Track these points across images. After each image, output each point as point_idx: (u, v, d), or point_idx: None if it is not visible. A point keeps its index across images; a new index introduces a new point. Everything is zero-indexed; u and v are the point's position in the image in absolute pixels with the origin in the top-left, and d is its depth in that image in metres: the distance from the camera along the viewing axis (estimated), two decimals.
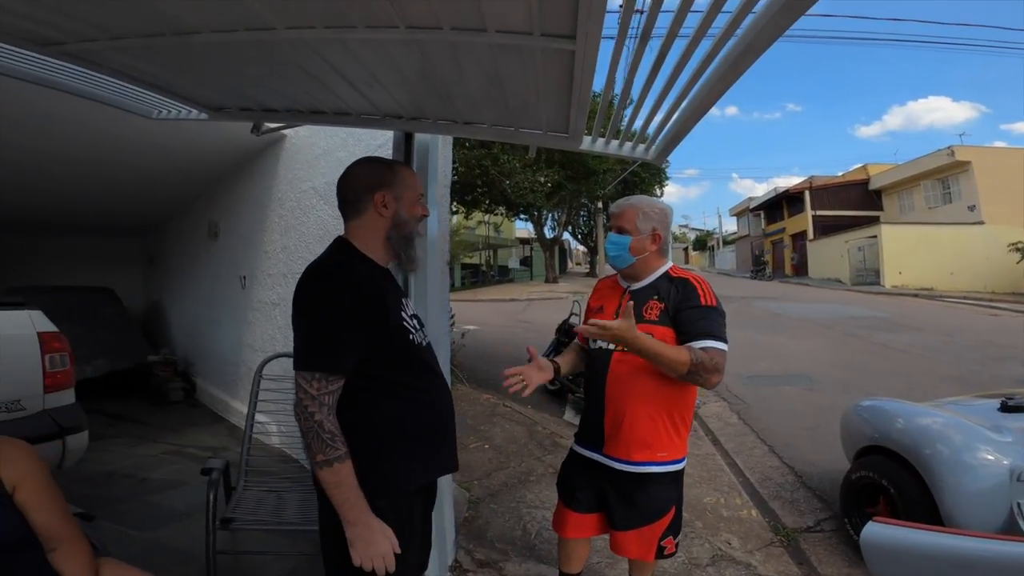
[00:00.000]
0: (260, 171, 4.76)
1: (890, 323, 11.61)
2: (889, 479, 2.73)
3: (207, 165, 5.10)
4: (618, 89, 1.64)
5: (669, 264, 2.05)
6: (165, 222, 7.71)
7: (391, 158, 2.51)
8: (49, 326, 2.66)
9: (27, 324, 2.56)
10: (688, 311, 1.88)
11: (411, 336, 1.50)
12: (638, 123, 1.90)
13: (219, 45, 1.55)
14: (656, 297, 1.95)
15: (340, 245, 1.52)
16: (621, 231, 2.01)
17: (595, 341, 2.01)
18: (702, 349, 1.78)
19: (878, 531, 1.94)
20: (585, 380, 2.13)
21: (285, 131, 4.22)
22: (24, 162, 4.49)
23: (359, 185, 1.53)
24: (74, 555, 1.39)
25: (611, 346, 1.95)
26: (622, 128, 2.08)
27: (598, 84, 1.67)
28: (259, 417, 2.91)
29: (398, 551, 1.37)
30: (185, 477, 3.81)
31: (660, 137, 1.93)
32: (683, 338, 1.85)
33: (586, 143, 2.13)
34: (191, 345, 6.76)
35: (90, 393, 6.25)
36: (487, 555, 2.82)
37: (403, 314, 1.52)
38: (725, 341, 1.84)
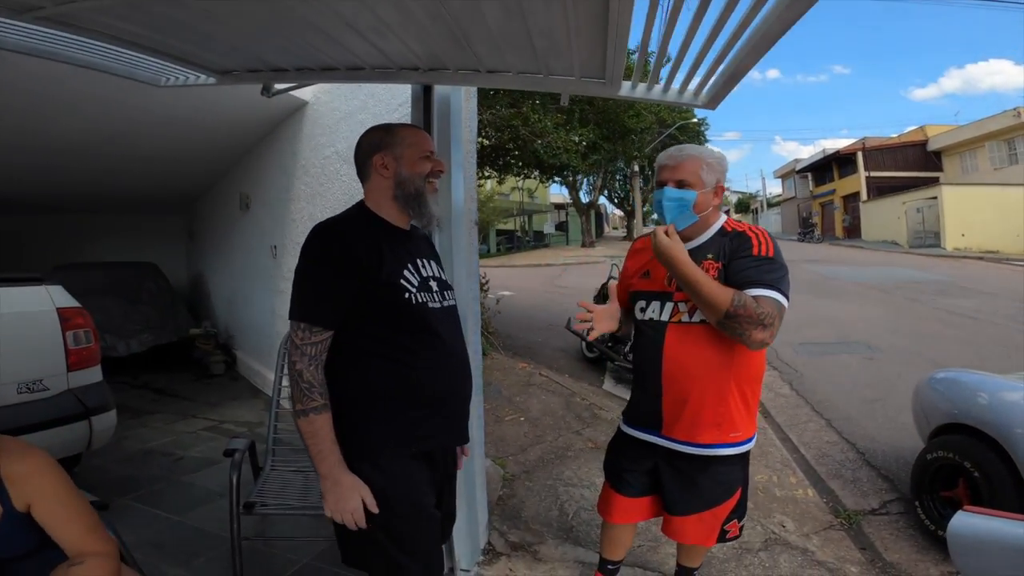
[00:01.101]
0: (284, 139, 4.68)
1: (955, 287, 10.89)
2: (972, 461, 2.46)
3: (234, 136, 5.07)
4: (662, 24, 1.39)
5: (724, 218, 1.80)
6: (201, 197, 7.80)
7: (410, 116, 2.34)
8: (70, 301, 2.59)
9: (46, 300, 2.49)
10: (738, 260, 1.66)
11: (407, 295, 1.45)
12: (686, 64, 1.64)
13: None
14: (711, 257, 1.71)
15: (356, 206, 1.57)
16: (682, 184, 1.72)
17: (644, 311, 1.81)
18: (758, 297, 1.57)
19: (968, 522, 1.70)
20: (635, 355, 1.91)
21: (305, 98, 4.08)
22: (63, 142, 4.58)
23: (361, 152, 1.58)
24: (96, 570, 1.28)
25: (664, 317, 1.74)
26: (664, 72, 1.81)
27: (638, 19, 1.42)
28: (287, 392, 2.82)
29: (373, 510, 1.38)
30: (219, 455, 3.81)
31: (713, 78, 1.66)
32: (733, 282, 1.63)
33: (626, 89, 1.87)
34: (231, 317, 6.85)
35: (136, 368, 6.47)
36: (521, 537, 2.69)
37: (407, 272, 1.48)
38: (783, 294, 1.60)
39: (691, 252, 1.71)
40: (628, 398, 2.01)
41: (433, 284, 1.54)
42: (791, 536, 2.74)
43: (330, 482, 1.37)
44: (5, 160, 4.85)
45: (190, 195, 7.82)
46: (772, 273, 1.63)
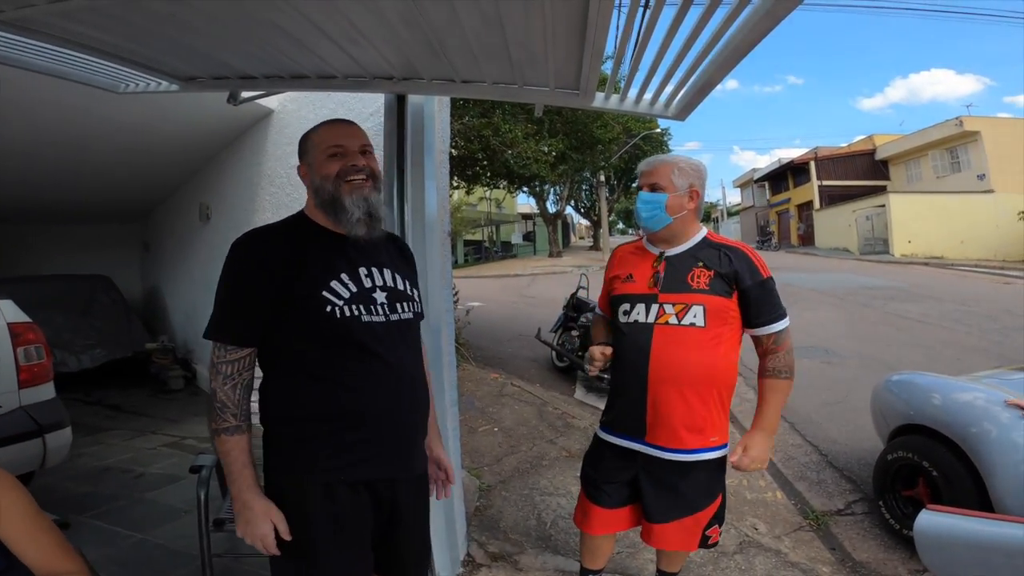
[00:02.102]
0: (248, 148, 4.56)
1: (904, 292, 11.36)
2: (930, 460, 2.55)
3: (194, 143, 4.91)
4: (637, 36, 1.42)
5: (704, 230, 1.88)
6: (159, 206, 7.54)
7: (382, 126, 2.31)
8: (21, 316, 2.47)
9: None
10: (754, 289, 1.77)
11: (329, 308, 1.32)
12: (658, 76, 1.67)
13: (172, 1, 1.35)
14: (701, 264, 1.78)
15: (296, 214, 1.50)
16: (654, 188, 1.81)
17: (628, 314, 1.83)
18: (775, 335, 1.78)
19: (933, 520, 1.77)
20: (616, 361, 1.89)
21: (272, 106, 4.01)
22: (11, 148, 4.33)
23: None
24: None
25: (650, 319, 1.77)
26: (636, 84, 1.84)
27: (613, 31, 1.44)
28: (254, 406, 2.73)
29: (285, 537, 1.30)
30: (182, 472, 3.66)
31: (684, 90, 1.69)
32: (753, 319, 1.77)
33: (599, 100, 1.90)
34: (190, 331, 6.61)
35: (88, 384, 6.17)
36: (501, 547, 2.66)
37: (336, 284, 1.35)
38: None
39: (679, 256, 1.83)
40: (601, 407, 2.02)
41: (379, 295, 1.40)
42: (764, 538, 2.80)
43: (239, 504, 1.30)
44: None
45: (146, 205, 7.55)
46: (776, 296, 1.80)
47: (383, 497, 1.40)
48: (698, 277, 1.74)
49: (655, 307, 1.78)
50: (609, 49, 1.70)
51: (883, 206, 22.86)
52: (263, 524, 1.28)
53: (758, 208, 38.84)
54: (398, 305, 1.43)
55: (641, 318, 1.80)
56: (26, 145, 4.33)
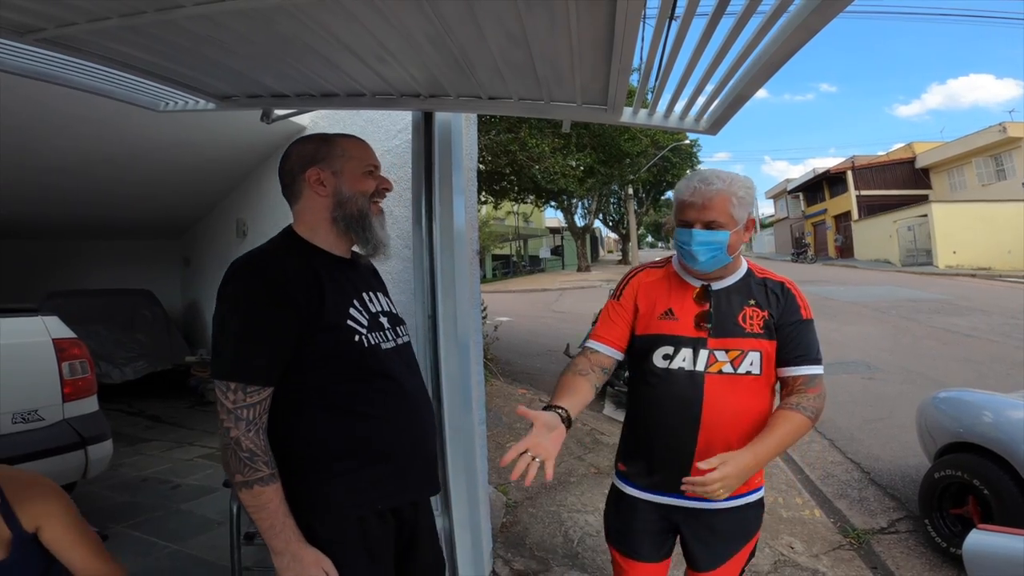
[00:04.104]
0: None
1: (950, 305, 10.93)
2: (981, 479, 2.45)
3: (230, 161, 5.07)
4: (665, 51, 1.40)
5: (745, 260, 1.65)
6: (198, 222, 7.78)
7: (410, 143, 2.34)
8: (66, 332, 2.56)
9: (41, 331, 2.47)
10: (792, 327, 1.54)
11: (357, 337, 1.26)
12: (688, 90, 1.64)
13: (207, 21, 1.39)
14: (753, 303, 1.56)
15: (283, 234, 1.36)
16: (711, 225, 1.49)
17: (670, 359, 1.55)
18: (808, 377, 1.51)
19: (984, 539, 1.69)
20: (647, 410, 1.61)
21: (303, 122, 4.10)
22: (57, 163, 4.55)
23: (289, 165, 1.37)
24: None
25: (700, 367, 1.52)
26: (666, 98, 1.82)
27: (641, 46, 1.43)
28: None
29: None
30: (217, 483, 3.75)
31: (715, 104, 1.67)
32: (787, 357, 1.53)
33: (627, 115, 1.88)
34: None
35: (131, 395, 6.38)
36: (526, 565, 2.63)
37: (353, 311, 1.29)
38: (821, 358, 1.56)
39: (727, 292, 1.57)
40: None
41: (384, 320, 1.36)
42: (800, 557, 2.70)
43: (288, 558, 1.17)
44: (5, 187, 4.84)
45: (186, 221, 7.80)
46: (816, 339, 1.56)
47: (406, 519, 1.38)
48: (751, 318, 1.54)
49: (704, 352, 1.52)
50: (637, 62, 1.68)
51: (925, 216, 22.18)
52: (316, 572, 1.19)
53: (792, 220, 38.05)
54: (398, 329, 1.41)
55: (688, 365, 1.52)
56: (70, 162, 4.53)
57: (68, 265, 8.18)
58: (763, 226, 48.29)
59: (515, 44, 1.43)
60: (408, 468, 1.35)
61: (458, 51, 1.51)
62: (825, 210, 32.17)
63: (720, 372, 1.51)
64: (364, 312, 1.32)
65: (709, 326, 1.53)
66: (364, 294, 1.36)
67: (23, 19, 1.39)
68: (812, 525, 3.04)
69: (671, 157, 20.63)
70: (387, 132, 2.94)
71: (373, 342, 1.29)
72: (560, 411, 1.36)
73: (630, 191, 26.34)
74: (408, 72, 1.73)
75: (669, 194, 31.37)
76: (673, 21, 1.30)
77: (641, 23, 1.25)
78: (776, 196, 43.02)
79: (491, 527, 2.69)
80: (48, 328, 2.48)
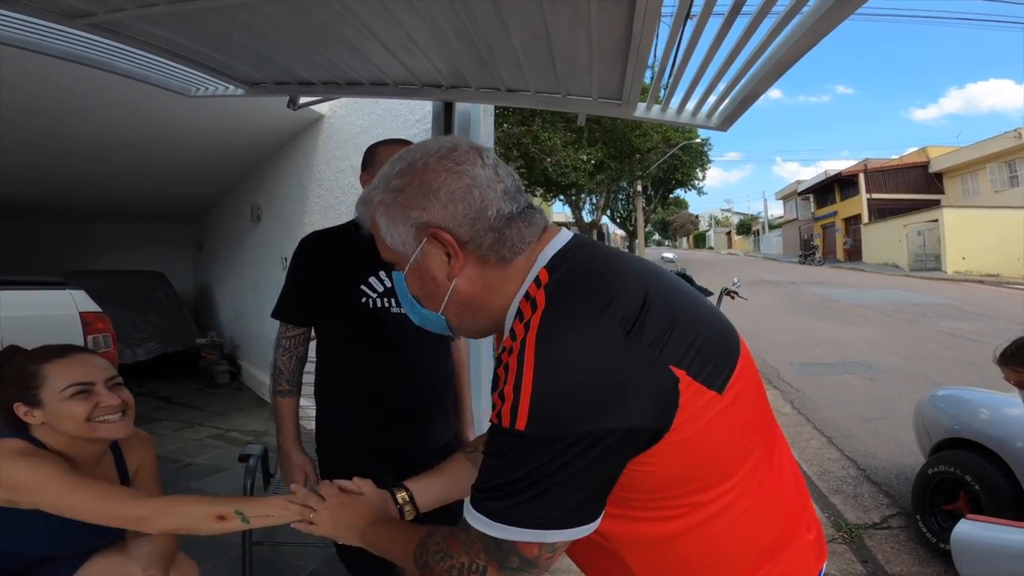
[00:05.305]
0: (299, 151, 4.76)
1: (956, 310, 10.93)
2: (973, 474, 2.52)
3: (248, 146, 5.15)
4: (680, 48, 1.47)
5: (522, 292, 0.82)
6: (212, 206, 7.87)
7: (430, 132, 2.41)
8: (92, 306, 2.65)
9: (69, 304, 2.55)
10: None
11: (364, 299, 1.55)
12: (701, 86, 1.70)
13: (246, 8, 1.46)
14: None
15: (352, 219, 1.66)
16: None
17: None
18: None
19: (971, 529, 1.76)
20: None
21: (323, 111, 4.18)
22: (76, 148, 4.64)
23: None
24: (169, 541, 1.46)
25: None
26: (679, 94, 1.88)
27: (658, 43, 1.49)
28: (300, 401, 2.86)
29: (312, 483, 1.52)
30: (227, 463, 3.84)
31: (727, 101, 1.72)
32: None
33: (641, 110, 1.94)
34: (237, 328, 6.89)
35: (141, 376, 6.49)
36: None
37: (373, 279, 1.57)
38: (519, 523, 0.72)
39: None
40: None
41: None
42: None
43: (282, 455, 1.60)
44: (19, 160, 4.92)
45: (202, 205, 7.90)
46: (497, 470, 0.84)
47: (401, 471, 1.48)
48: None
49: None
50: (652, 59, 1.73)
51: (936, 221, 22.06)
52: (298, 474, 1.55)
53: (801, 221, 37.88)
54: None
55: None
56: (94, 146, 4.63)
57: (84, 246, 8.30)
58: (771, 227, 48.11)
59: (536, 39, 1.49)
60: (403, 419, 1.59)
61: (482, 45, 1.58)
62: (835, 212, 32.02)
63: None
64: (384, 282, 1.58)
65: None
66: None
67: (76, 3, 1.46)
68: None
69: (681, 155, 20.60)
70: (406, 121, 3.01)
71: (380, 305, 1.56)
72: (401, 492, 1.07)
73: (639, 188, 26.31)
74: (432, 63, 1.80)
75: (679, 192, 31.28)
76: (689, 20, 1.37)
77: (659, 21, 1.31)
78: (786, 197, 42.83)
79: None
80: (75, 301, 2.57)
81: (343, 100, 3.95)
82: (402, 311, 1.50)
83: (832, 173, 32.29)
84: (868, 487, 3.55)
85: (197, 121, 4.15)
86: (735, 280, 5.70)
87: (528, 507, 0.68)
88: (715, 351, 0.75)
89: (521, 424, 0.66)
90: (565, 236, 0.81)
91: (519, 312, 0.75)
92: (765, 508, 0.79)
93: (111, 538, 1.41)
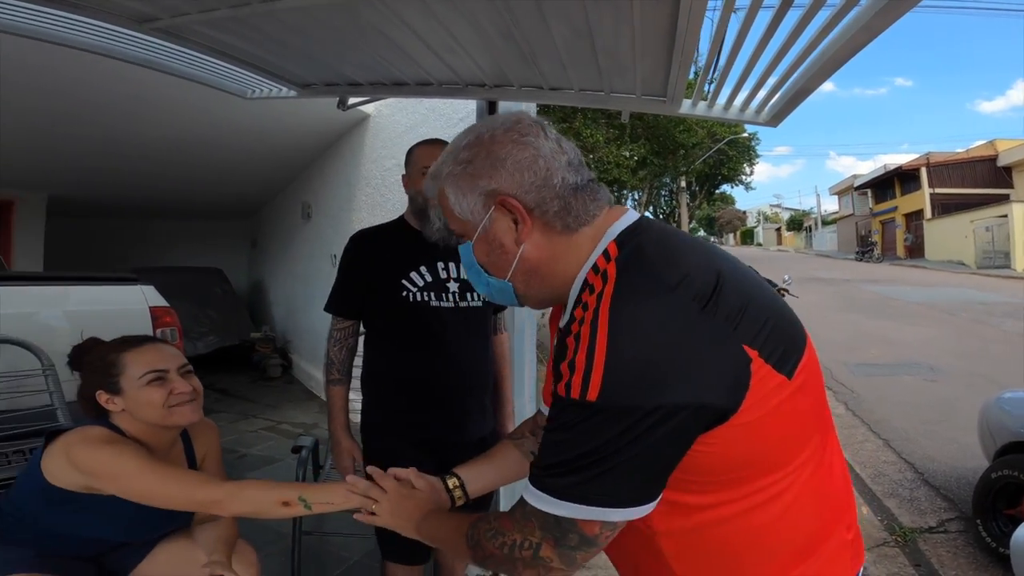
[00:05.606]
0: (347, 151, 4.89)
1: None
2: None
3: (298, 146, 5.32)
4: (727, 43, 1.44)
5: (590, 262, 0.79)
6: (265, 204, 8.15)
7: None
8: (160, 301, 2.79)
9: (140, 299, 2.70)
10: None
11: (404, 293, 1.62)
12: (749, 82, 1.66)
13: (302, 12, 1.52)
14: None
15: (399, 216, 1.79)
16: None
17: None
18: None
19: None
20: None
21: (368, 111, 4.28)
22: (151, 150, 4.91)
23: None
24: (232, 527, 1.53)
25: None
26: (726, 90, 1.84)
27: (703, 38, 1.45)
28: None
29: (360, 466, 1.62)
30: (279, 454, 3.99)
31: (776, 97, 1.67)
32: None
33: (686, 107, 1.90)
34: (289, 323, 7.13)
35: (201, 368, 6.76)
36: None
37: (415, 274, 1.64)
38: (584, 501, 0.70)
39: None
40: None
41: (452, 285, 1.67)
42: None
43: (332, 441, 1.70)
44: (90, 162, 5.23)
45: (256, 203, 8.19)
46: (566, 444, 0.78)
47: (439, 459, 1.52)
48: None
49: None
50: (697, 54, 1.70)
51: (1005, 216, 20.80)
52: (346, 459, 1.66)
53: (858, 217, 36.31)
54: (468, 294, 1.69)
55: None
56: (159, 147, 4.88)
57: (145, 243, 8.72)
58: (825, 223, 46.29)
59: (579, 36, 1.50)
60: (439, 408, 1.64)
61: (524, 43, 1.59)
62: (895, 208, 30.57)
63: None
64: (427, 276, 1.65)
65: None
66: (439, 263, 1.66)
67: (144, 8, 1.55)
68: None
69: (727, 150, 20.06)
70: (449, 120, 3.06)
71: (421, 299, 1.63)
72: (452, 479, 1.09)
73: (682, 184, 25.79)
74: (476, 63, 1.82)
75: (725, 188, 30.48)
76: (735, 14, 1.34)
77: (704, 17, 1.29)
78: (841, 192, 41.10)
79: None
80: (146, 296, 2.72)
81: (388, 100, 4.03)
82: (442, 305, 1.61)
83: (892, 167, 30.82)
84: (925, 490, 3.42)
85: (250, 122, 4.32)
86: (785, 277, 5.53)
87: (594, 484, 0.67)
88: (784, 336, 0.74)
89: (593, 395, 0.65)
90: (633, 215, 0.82)
91: (587, 284, 0.75)
92: (811, 502, 0.77)
93: (180, 524, 1.48)
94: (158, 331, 2.63)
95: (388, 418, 1.66)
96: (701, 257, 0.74)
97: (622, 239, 0.77)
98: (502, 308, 1.91)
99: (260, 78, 2.18)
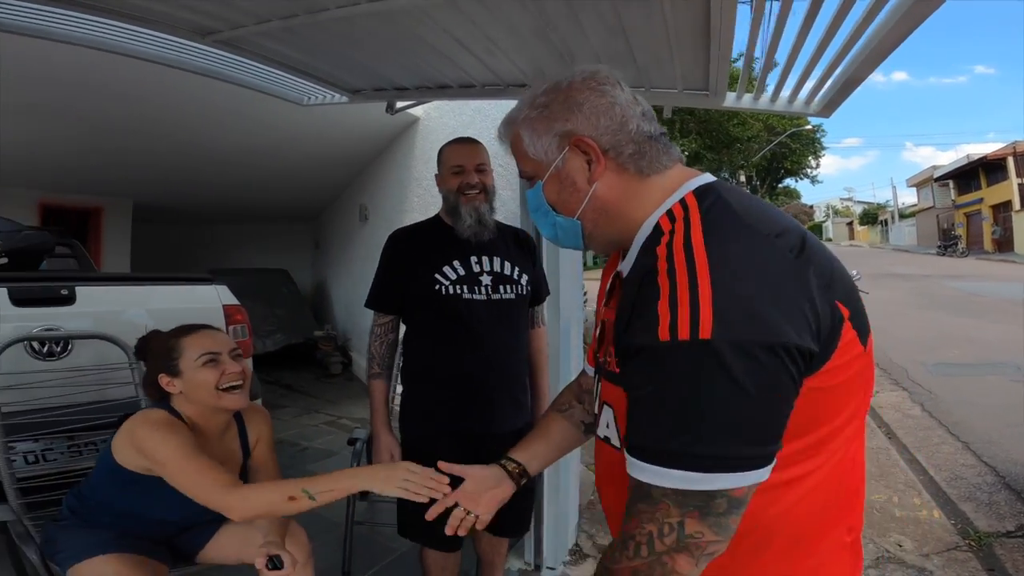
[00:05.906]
0: (399, 153, 5.02)
1: None
2: None
3: (353, 151, 5.50)
4: (767, 33, 1.40)
5: (662, 209, 0.78)
6: (326, 208, 8.46)
7: None
8: (232, 300, 2.94)
9: (214, 298, 2.87)
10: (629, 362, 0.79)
11: (437, 287, 1.66)
12: (795, 72, 1.60)
13: (346, 21, 1.60)
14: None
15: (435, 215, 1.84)
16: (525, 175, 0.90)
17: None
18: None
19: None
20: None
21: (417, 114, 4.38)
22: (217, 157, 5.21)
23: None
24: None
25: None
26: (772, 80, 1.78)
27: (742, 28, 1.42)
28: (399, 388, 3.04)
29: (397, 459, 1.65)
30: (337, 447, 4.14)
31: (826, 86, 1.61)
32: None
33: (730, 99, 1.88)
34: (349, 322, 7.38)
35: (268, 365, 7.12)
36: (609, 540, 2.71)
37: (448, 268, 1.67)
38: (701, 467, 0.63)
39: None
40: None
41: (485, 279, 1.70)
42: (908, 555, 2.59)
43: (373, 436, 1.74)
44: (168, 172, 5.60)
45: (318, 206, 8.50)
46: (675, 415, 0.72)
47: (472, 453, 1.50)
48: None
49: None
50: (741, 46, 1.66)
51: None
52: (384, 454, 1.69)
53: (939, 209, 33.90)
54: (501, 287, 1.73)
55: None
56: (225, 154, 5.16)
57: (216, 245, 9.22)
58: (902, 216, 43.50)
59: (613, 34, 1.51)
60: (474, 401, 1.67)
61: (560, 43, 1.62)
62: (981, 199, 28.38)
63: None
64: (461, 270, 1.69)
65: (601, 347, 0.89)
66: (472, 257, 1.70)
67: (205, 22, 1.67)
68: (928, 525, 2.87)
69: (790, 143, 19.22)
70: (494, 122, 3.07)
71: (453, 292, 1.67)
72: (511, 464, 1.08)
73: (742, 178, 24.90)
74: (514, 64, 1.86)
75: (788, 181, 29.19)
76: (773, 3, 1.31)
77: (737, 6, 1.27)
78: (919, 184, 38.47)
79: (578, 503, 2.78)
80: (220, 296, 2.90)
81: (436, 103, 4.12)
82: (474, 297, 1.65)
83: (975, 157, 28.61)
84: (1006, 494, 3.20)
85: (308, 128, 4.51)
86: (854, 272, 5.26)
87: (719, 440, 0.61)
88: (862, 311, 0.72)
89: (706, 331, 0.59)
90: (710, 176, 0.82)
91: (659, 229, 0.74)
92: (823, 495, 0.73)
93: None
94: (230, 328, 2.79)
95: (422, 410, 1.72)
96: (787, 219, 0.74)
97: (701, 192, 0.76)
98: (539, 301, 1.93)
99: (314, 85, 2.30)
